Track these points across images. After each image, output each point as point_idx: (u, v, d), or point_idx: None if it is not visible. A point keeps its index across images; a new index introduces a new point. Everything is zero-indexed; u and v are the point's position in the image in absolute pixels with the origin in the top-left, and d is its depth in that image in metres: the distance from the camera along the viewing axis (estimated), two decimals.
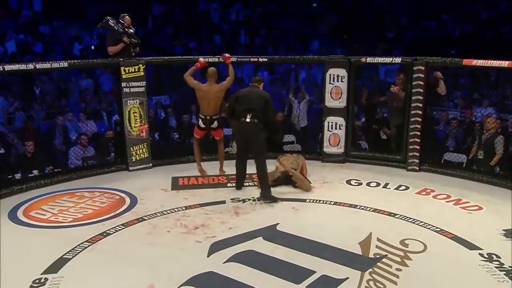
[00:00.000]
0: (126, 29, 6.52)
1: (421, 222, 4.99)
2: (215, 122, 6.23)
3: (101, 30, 6.75)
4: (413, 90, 6.52)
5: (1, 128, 7.22)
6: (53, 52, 11.05)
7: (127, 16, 6.60)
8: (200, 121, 6.24)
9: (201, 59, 6.36)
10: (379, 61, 6.98)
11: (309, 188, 5.89)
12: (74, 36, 12.16)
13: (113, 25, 6.41)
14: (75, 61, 6.62)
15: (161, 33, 13.03)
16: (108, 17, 6.49)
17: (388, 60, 7.02)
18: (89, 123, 7.70)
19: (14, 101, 7.92)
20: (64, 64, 5.94)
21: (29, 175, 6.15)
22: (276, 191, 5.84)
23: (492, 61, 5.96)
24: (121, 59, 6.43)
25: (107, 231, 4.78)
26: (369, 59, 6.78)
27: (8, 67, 5.52)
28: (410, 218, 5.09)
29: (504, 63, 5.85)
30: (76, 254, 4.32)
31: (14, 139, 6.68)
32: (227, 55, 6.52)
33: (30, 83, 8.77)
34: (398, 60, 6.83)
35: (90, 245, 4.51)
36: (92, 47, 9.04)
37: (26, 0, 12.80)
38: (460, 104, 9.01)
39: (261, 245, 4.48)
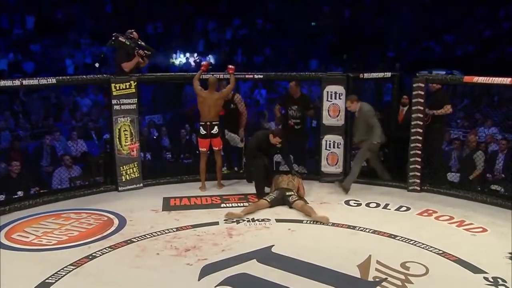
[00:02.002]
0: (138, 42, 6.45)
1: (423, 244, 4.82)
2: (215, 128, 6.42)
3: (106, 48, 6.65)
4: (413, 108, 6.37)
5: None
6: (45, 71, 10.99)
7: (134, 32, 6.52)
8: (201, 128, 6.44)
9: (205, 62, 6.71)
10: (372, 77, 6.90)
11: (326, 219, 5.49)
12: (67, 54, 12.14)
13: (124, 40, 6.31)
14: (64, 77, 6.48)
15: (155, 51, 13.04)
16: (116, 34, 6.39)
17: (381, 75, 7.01)
18: (79, 142, 7.52)
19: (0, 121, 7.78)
20: (52, 80, 5.81)
21: (14, 197, 5.95)
22: (271, 211, 5.70)
23: (494, 78, 5.83)
24: (128, 75, 6.36)
25: (93, 254, 4.60)
26: (366, 75, 6.70)
27: None
28: (411, 240, 4.92)
29: (506, 80, 5.73)
30: (59, 278, 4.15)
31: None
32: (231, 66, 6.67)
33: (17, 102, 8.67)
34: (388, 74, 6.97)
35: (75, 268, 4.33)
36: (97, 65, 8.93)
37: (18, 18, 12.83)
38: (462, 124, 8.92)
39: (255, 268, 4.33)
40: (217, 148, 6.56)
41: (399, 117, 6.87)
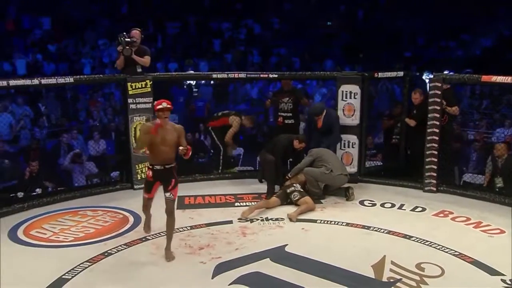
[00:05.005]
0: (128, 40, 6.30)
1: (439, 245, 4.77)
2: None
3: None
4: (430, 108, 6.30)
5: (6, 146, 7.15)
6: (63, 70, 11.15)
7: (134, 30, 6.50)
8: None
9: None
10: (388, 76, 6.86)
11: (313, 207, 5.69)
12: (84, 54, 12.30)
13: (120, 38, 6.34)
14: (81, 76, 6.57)
15: (171, 52, 13.14)
16: (122, 33, 6.42)
17: (394, 74, 6.97)
18: (101, 144, 7.58)
19: (21, 119, 7.91)
20: (69, 79, 5.89)
21: (32, 194, 6.04)
22: (285, 211, 5.66)
23: None
24: (128, 75, 6.35)
25: (108, 251, 4.65)
26: (380, 74, 6.65)
27: (13, 82, 5.49)
28: (427, 241, 4.86)
29: None
30: (75, 275, 4.21)
31: (18, 157, 6.61)
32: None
33: (37, 101, 8.80)
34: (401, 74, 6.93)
35: (91, 265, 4.38)
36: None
37: (36, 18, 13.01)
38: (481, 125, 8.79)
39: (268, 267, 4.33)
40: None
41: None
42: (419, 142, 6.50)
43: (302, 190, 5.91)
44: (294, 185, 5.95)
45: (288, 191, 5.88)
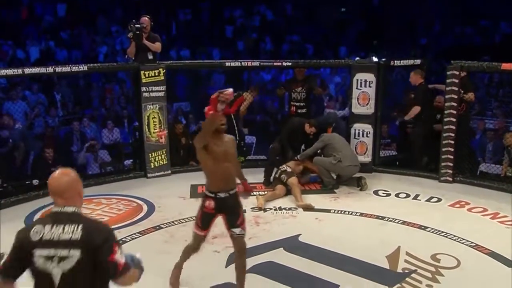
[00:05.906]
0: (137, 26, 6.29)
1: (455, 236, 4.71)
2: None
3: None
4: (447, 96, 6.19)
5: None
6: (76, 58, 11.18)
7: (144, 17, 6.48)
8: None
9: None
10: (404, 64, 6.75)
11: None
12: (97, 42, 12.30)
13: (130, 25, 6.32)
14: (95, 64, 6.57)
15: (184, 39, 13.08)
16: (132, 21, 6.42)
17: (411, 62, 6.82)
18: (115, 132, 7.61)
19: (35, 107, 7.96)
20: (83, 67, 5.90)
21: (47, 181, 6.05)
22: (294, 200, 5.64)
23: None
24: (140, 63, 6.34)
25: (123, 239, 4.67)
26: (397, 62, 6.55)
27: (28, 70, 5.51)
28: (443, 232, 4.81)
29: None
30: None
31: (33, 144, 6.66)
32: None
33: (49, 88, 8.84)
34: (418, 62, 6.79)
35: None
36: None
37: (50, 6, 13.02)
38: (498, 114, 8.62)
39: (282, 257, 4.33)
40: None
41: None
42: (417, 127, 6.45)
43: (289, 171, 5.89)
44: (281, 167, 5.94)
45: (277, 175, 5.89)
